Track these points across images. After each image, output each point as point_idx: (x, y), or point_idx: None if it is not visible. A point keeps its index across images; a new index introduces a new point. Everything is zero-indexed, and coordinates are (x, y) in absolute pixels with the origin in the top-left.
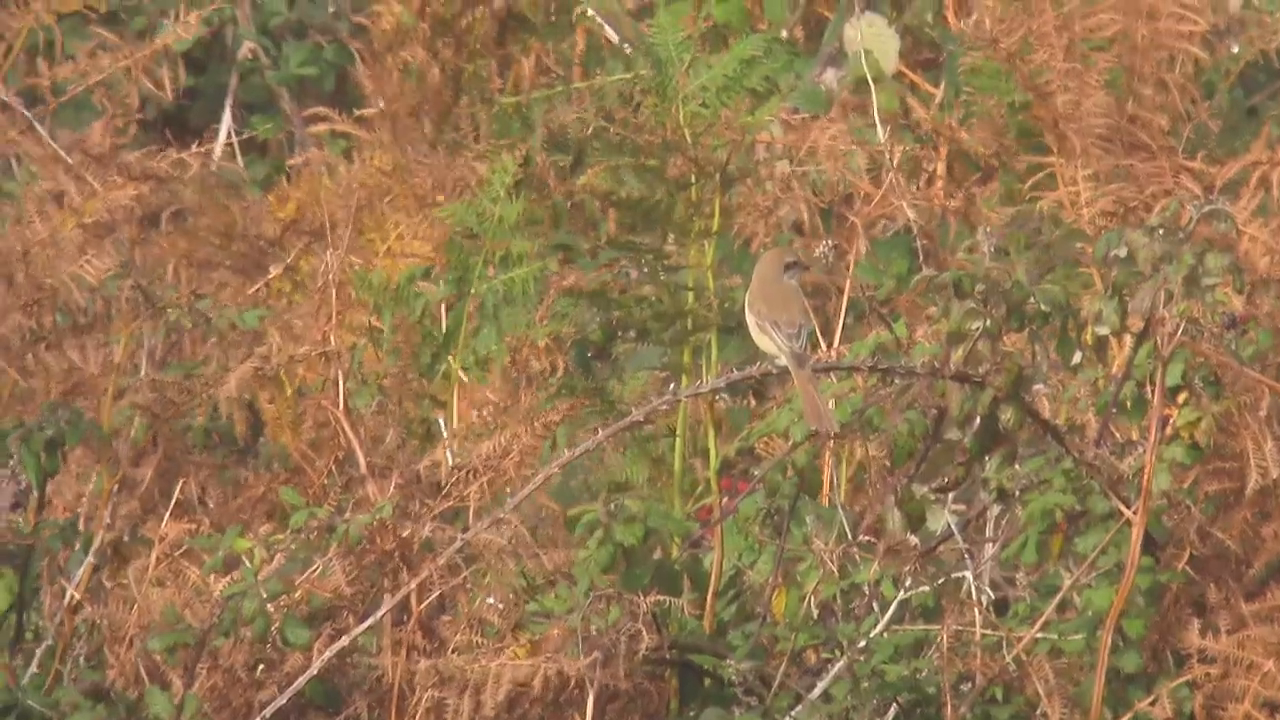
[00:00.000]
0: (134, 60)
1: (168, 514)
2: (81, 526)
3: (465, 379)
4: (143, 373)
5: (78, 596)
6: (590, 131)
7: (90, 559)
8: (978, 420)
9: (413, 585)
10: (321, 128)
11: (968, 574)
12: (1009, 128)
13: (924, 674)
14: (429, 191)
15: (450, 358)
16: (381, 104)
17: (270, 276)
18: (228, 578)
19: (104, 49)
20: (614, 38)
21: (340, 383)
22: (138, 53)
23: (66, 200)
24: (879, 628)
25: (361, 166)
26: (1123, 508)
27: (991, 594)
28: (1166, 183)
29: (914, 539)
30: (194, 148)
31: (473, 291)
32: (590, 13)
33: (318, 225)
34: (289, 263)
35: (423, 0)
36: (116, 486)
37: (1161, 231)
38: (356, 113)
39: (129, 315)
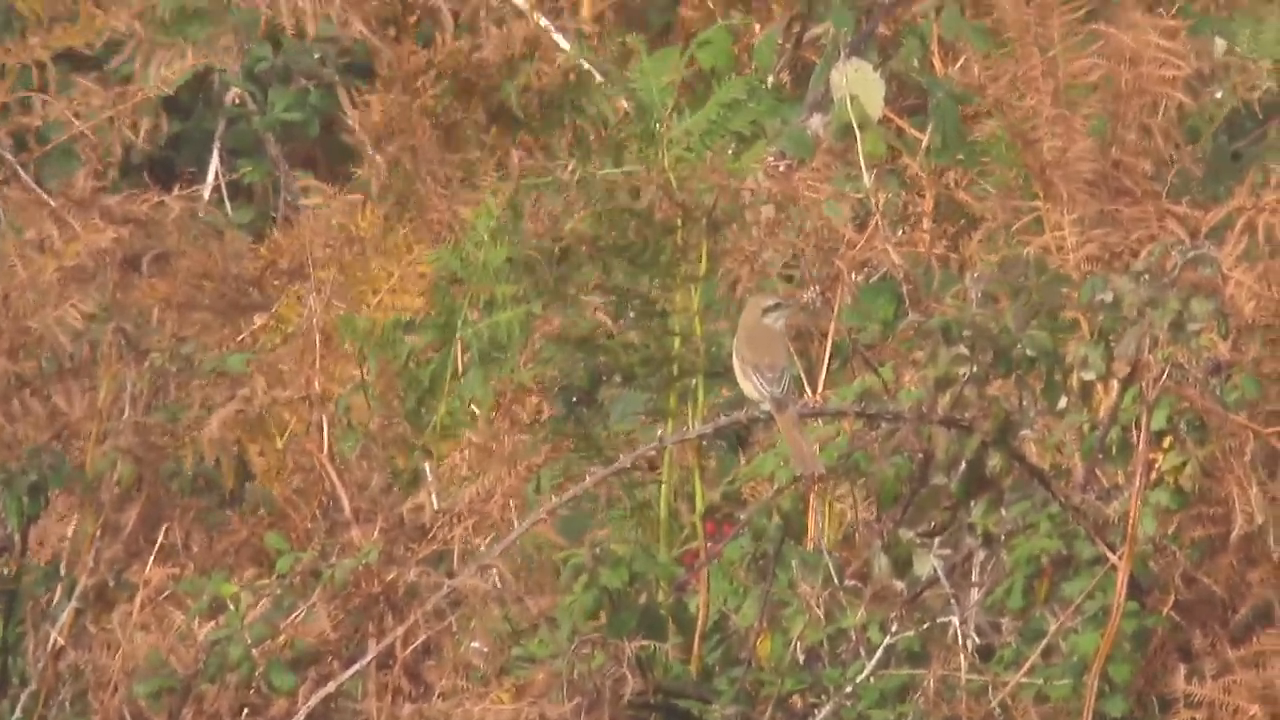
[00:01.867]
0: (118, 111)
1: (152, 558)
2: (65, 571)
3: (451, 424)
4: (126, 416)
5: (62, 641)
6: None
7: (74, 603)
8: (964, 465)
9: (399, 631)
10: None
11: (954, 619)
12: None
13: (910, 719)
14: (431, 228)
15: (436, 403)
16: (377, 156)
17: (258, 326)
18: (212, 623)
19: (90, 94)
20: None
21: (324, 427)
22: (122, 102)
23: (47, 244)
24: (865, 673)
25: (347, 205)
26: (1108, 552)
27: (977, 639)
28: (1152, 228)
29: (900, 584)
30: (176, 191)
31: (458, 336)
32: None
33: (298, 265)
34: (275, 310)
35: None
36: (100, 531)
37: (1147, 277)
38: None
39: (113, 359)
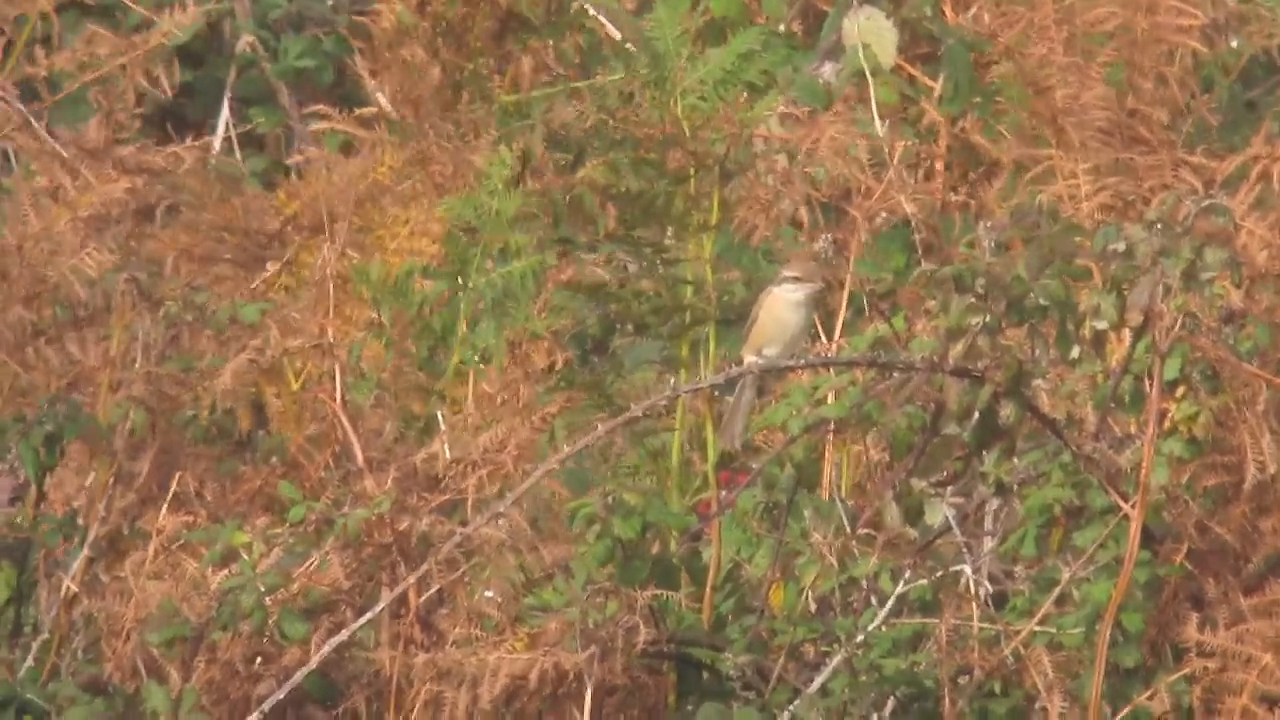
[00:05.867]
0: (130, 58)
1: (165, 507)
2: (79, 520)
3: (465, 373)
4: (139, 366)
5: (75, 589)
6: (590, 128)
7: (86, 552)
8: (976, 414)
9: (411, 579)
10: (323, 126)
11: (966, 568)
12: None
13: (922, 668)
14: (448, 179)
15: (451, 351)
16: (383, 97)
17: (269, 274)
18: (225, 571)
19: (99, 40)
20: (615, 34)
21: (338, 376)
22: (135, 49)
23: (61, 194)
24: (877, 621)
25: (366, 162)
26: (1121, 502)
27: (990, 588)
28: (1166, 177)
29: (912, 533)
30: (189, 142)
31: (471, 285)
32: (591, 11)
33: (319, 220)
34: (289, 258)
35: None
36: (113, 479)
37: (1160, 226)
38: (357, 111)
39: (126, 309)
